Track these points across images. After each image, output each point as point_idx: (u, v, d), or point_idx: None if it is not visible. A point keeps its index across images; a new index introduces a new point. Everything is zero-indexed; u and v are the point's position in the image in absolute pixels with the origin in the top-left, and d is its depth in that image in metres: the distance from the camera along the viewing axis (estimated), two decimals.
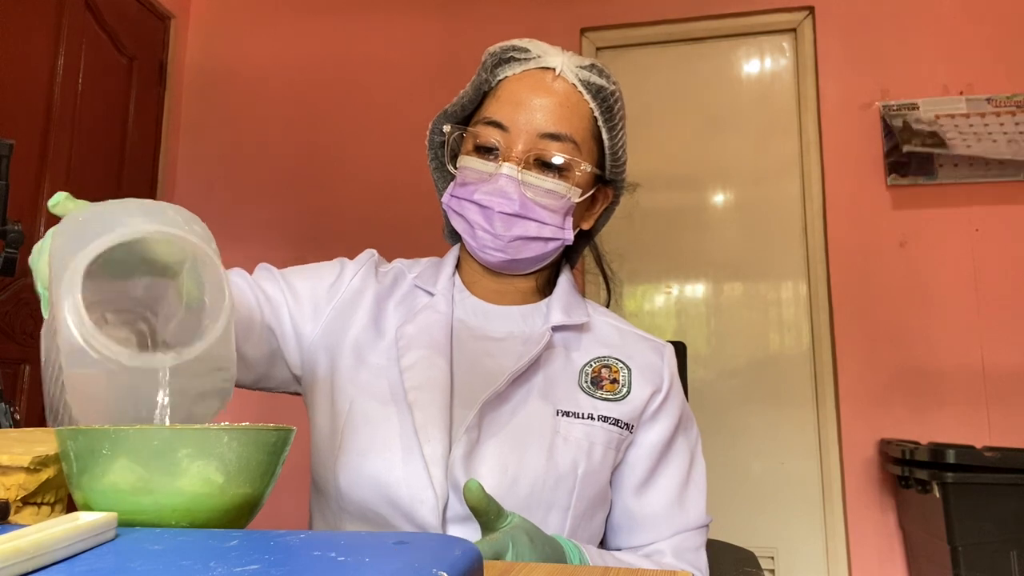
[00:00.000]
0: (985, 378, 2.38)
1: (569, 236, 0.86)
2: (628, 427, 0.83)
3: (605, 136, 0.88)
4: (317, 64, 3.01)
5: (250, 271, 0.90)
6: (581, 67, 0.87)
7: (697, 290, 2.68)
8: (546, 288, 0.93)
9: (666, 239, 2.70)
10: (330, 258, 0.95)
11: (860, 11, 2.65)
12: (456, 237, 0.95)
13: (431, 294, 0.89)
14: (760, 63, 2.77)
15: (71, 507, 0.47)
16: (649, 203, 2.73)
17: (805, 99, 2.67)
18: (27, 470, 0.50)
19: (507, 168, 0.82)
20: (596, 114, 0.87)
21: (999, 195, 2.47)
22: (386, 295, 0.91)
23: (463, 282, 0.92)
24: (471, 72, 0.90)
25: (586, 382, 0.85)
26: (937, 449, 1.97)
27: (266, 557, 0.34)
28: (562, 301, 0.90)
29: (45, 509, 0.51)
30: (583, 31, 2.84)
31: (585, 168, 0.85)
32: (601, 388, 0.84)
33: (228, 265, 0.66)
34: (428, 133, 0.94)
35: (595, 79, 0.87)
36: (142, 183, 2.88)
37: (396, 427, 0.79)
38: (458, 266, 0.94)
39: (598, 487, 0.81)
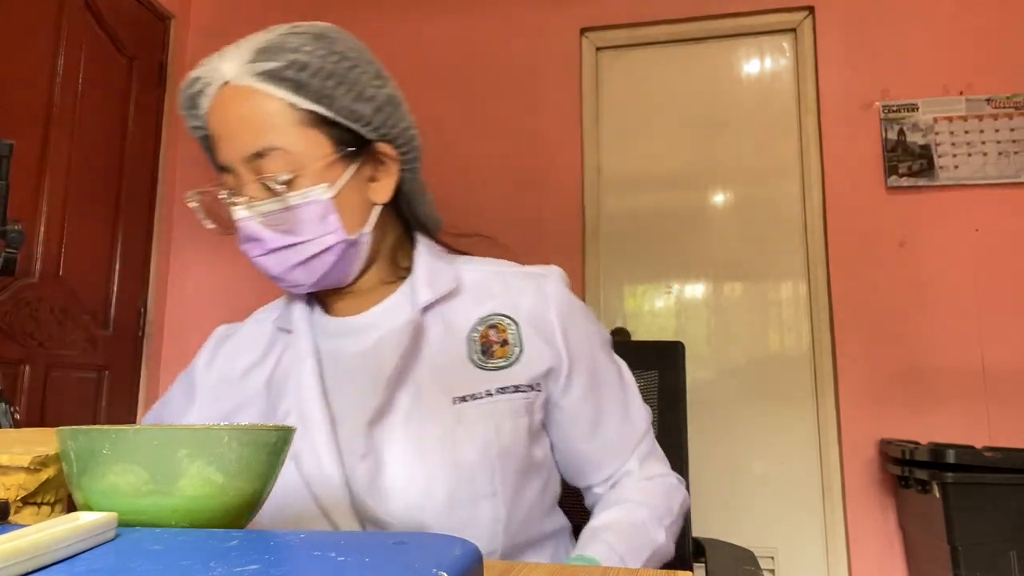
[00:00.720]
0: (985, 378, 2.38)
1: (342, 235, 0.77)
2: (532, 387, 0.79)
3: (321, 109, 0.75)
4: None
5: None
6: (250, 61, 0.75)
7: (697, 290, 2.68)
8: (395, 270, 0.85)
9: (666, 239, 2.70)
10: None
11: (860, 11, 2.65)
12: None
13: (290, 331, 0.85)
14: (760, 63, 2.77)
15: (71, 507, 0.47)
16: (649, 203, 2.73)
17: (805, 99, 2.67)
18: (27, 470, 0.50)
19: (238, 212, 0.77)
20: (290, 100, 0.74)
21: (999, 195, 2.47)
22: (245, 356, 0.87)
23: (321, 306, 0.86)
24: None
25: (476, 354, 0.79)
26: (937, 449, 1.97)
27: (266, 557, 0.34)
28: (425, 274, 0.82)
29: (45, 509, 0.51)
30: (583, 31, 2.84)
31: (301, 173, 0.74)
32: (492, 356, 0.78)
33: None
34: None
35: (265, 66, 0.74)
36: (142, 183, 2.88)
37: (287, 484, 0.74)
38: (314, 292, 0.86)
39: (519, 460, 0.77)
